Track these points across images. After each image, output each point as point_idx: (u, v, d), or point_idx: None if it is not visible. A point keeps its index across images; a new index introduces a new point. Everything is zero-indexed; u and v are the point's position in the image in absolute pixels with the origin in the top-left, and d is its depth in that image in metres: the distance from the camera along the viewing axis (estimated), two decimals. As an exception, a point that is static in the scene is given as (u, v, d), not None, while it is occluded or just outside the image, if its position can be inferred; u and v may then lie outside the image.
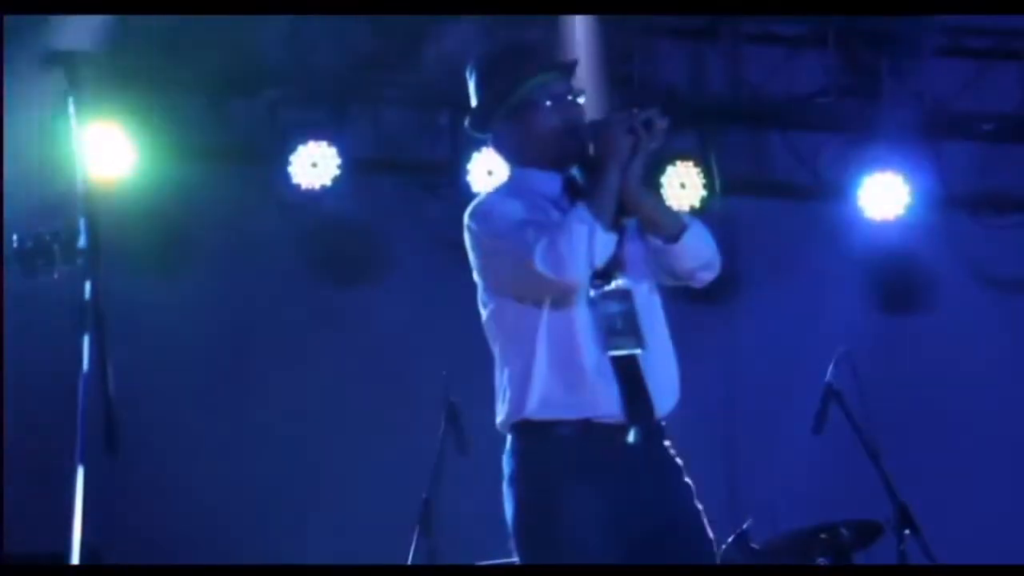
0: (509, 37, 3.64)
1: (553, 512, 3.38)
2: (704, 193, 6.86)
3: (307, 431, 6.69)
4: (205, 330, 6.64)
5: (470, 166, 6.70)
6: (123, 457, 3.10)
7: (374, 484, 6.51)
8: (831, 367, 5.62)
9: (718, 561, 3.56)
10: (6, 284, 5.29)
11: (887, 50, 7.18)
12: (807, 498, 6.16)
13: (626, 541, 3.38)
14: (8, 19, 5.56)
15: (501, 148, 3.69)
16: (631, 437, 3.44)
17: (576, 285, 3.40)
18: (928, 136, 7.17)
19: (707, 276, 3.61)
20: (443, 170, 6.88)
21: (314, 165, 6.73)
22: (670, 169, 6.85)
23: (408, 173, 7.08)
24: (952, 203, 7.26)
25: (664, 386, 3.50)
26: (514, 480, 3.46)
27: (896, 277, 7.32)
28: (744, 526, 5.45)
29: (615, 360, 3.43)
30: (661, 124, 3.42)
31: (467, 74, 3.68)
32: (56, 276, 3.23)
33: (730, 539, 5.42)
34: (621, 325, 3.44)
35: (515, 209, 3.50)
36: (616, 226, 3.43)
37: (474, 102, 3.67)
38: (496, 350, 3.56)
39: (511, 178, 3.68)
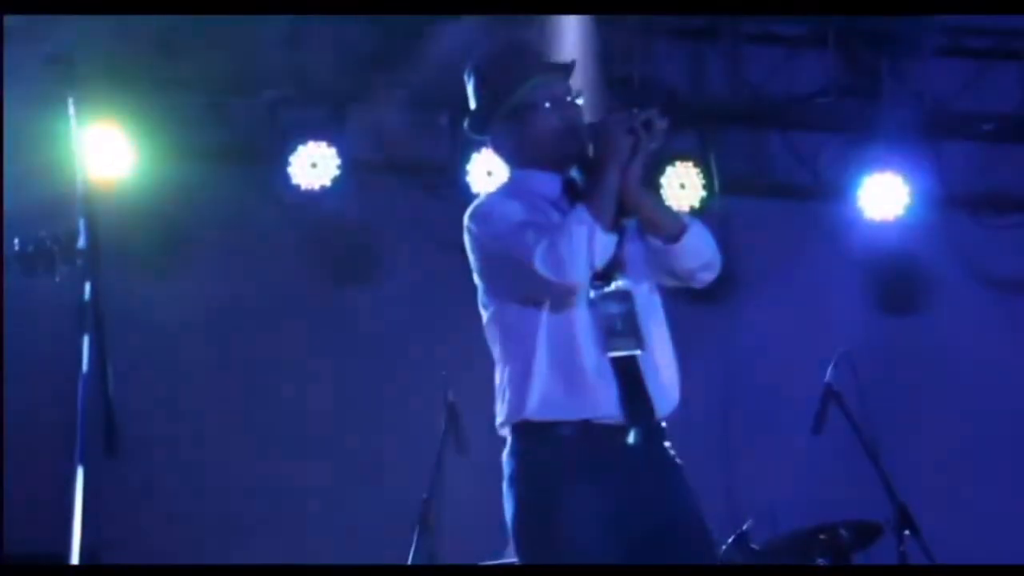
0: (508, 38, 3.63)
1: (553, 512, 3.38)
2: (703, 193, 6.86)
3: (307, 431, 6.70)
4: (205, 330, 6.64)
5: (470, 167, 6.70)
6: (123, 457, 3.10)
7: (374, 484, 6.51)
8: (831, 367, 5.62)
9: (718, 562, 3.56)
10: (6, 284, 5.29)
11: (887, 50, 7.18)
12: (807, 499, 6.15)
13: (626, 541, 3.38)
14: (8, 19, 5.56)
15: (501, 150, 3.69)
16: (631, 438, 3.44)
17: (576, 286, 3.40)
18: (928, 136, 7.17)
19: (707, 276, 3.61)
20: (443, 171, 6.87)
21: (314, 165, 6.73)
22: (670, 169, 6.84)
23: (408, 174, 7.08)
24: (952, 203, 7.26)
25: (664, 387, 3.50)
26: (514, 480, 3.46)
27: (896, 277, 7.32)
28: (744, 527, 5.45)
29: (615, 361, 3.43)
30: (661, 124, 3.42)
31: (466, 76, 3.69)
32: (57, 279, 3.23)
33: (730, 540, 5.42)
34: (621, 326, 3.44)
35: (515, 211, 3.50)
36: (616, 227, 3.43)
37: (473, 104, 3.67)
38: (496, 351, 3.56)
39: (511, 179, 3.68)
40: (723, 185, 6.92)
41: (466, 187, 6.64)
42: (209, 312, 6.65)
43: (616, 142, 3.41)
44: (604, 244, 3.38)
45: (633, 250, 3.53)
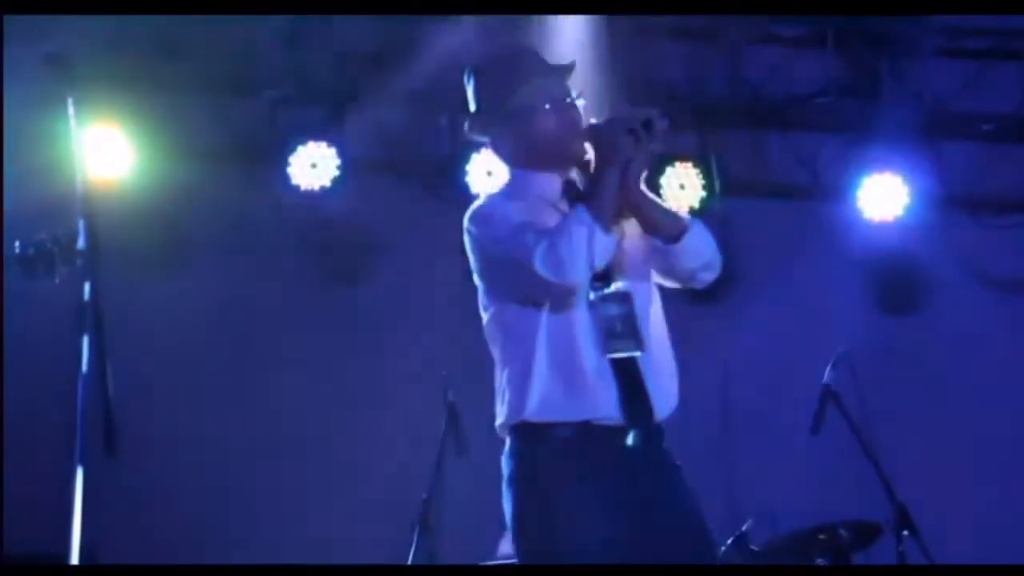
0: (507, 39, 3.63)
1: (552, 513, 3.38)
2: (703, 194, 6.86)
3: (307, 431, 6.70)
4: (204, 330, 6.64)
5: (469, 167, 6.70)
6: (123, 457, 3.11)
7: (374, 484, 6.52)
8: (830, 368, 5.62)
9: (718, 562, 3.56)
10: (6, 285, 5.29)
11: (886, 50, 7.18)
12: (806, 499, 6.15)
13: (626, 542, 3.38)
14: (8, 19, 5.57)
15: (501, 151, 3.69)
16: (630, 439, 3.44)
17: (576, 287, 3.40)
18: (927, 137, 7.17)
19: (708, 277, 3.61)
20: (442, 171, 6.88)
21: (313, 166, 6.73)
22: (669, 170, 6.85)
23: (407, 174, 7.08)
24: (952, 204, 7.26)
25: (664, 388, 3.50)
26: (513, 481, 3.46)
27: (895, 278, 7.32)
28: (743, 527, 5.45)
29: (615, 362, 3.43)
30: (661, 125, 3.42)
31: (465, 78, 3.69)
32: (57, 280, 3.24)
33: (729, 540, 5.42)
34: (621, 328, 3.44)
35: (515, 212, 3.51)
36: (616, 227, 3.43)
37: (473, 106, 3.67)
38: (496, 352, 3.56)
39: (511, 181, 3.68)
40: (723, 185, 6.93)
41: (466, 187, 6.65)
42: (209, 312, 6.65)
43: (616, 143, 3.41)
44: (604, 245, 3.38)
45: (633, 251, 3.53)
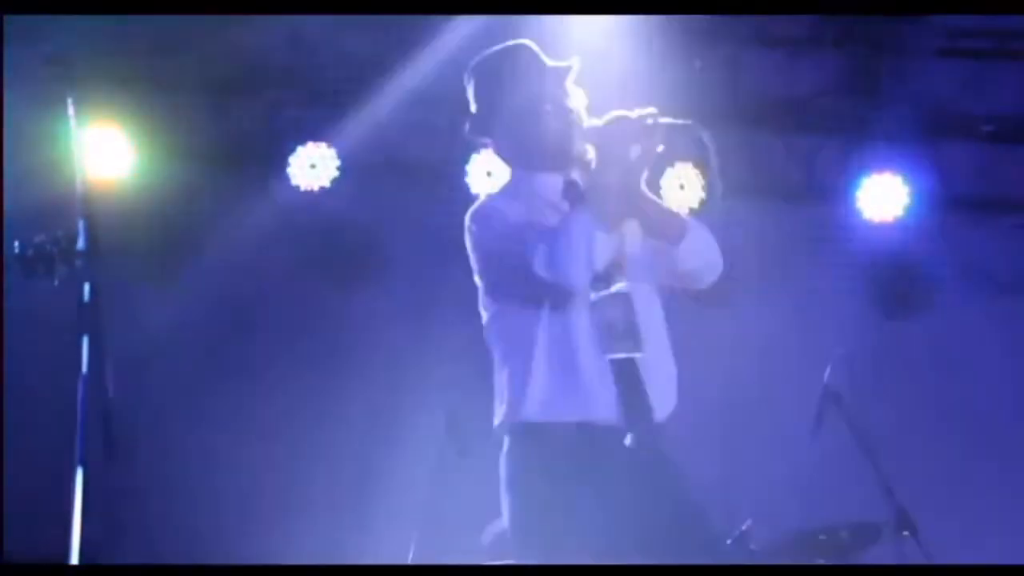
0: (507, 41, 3.64)
1: (551, 513, 3.38)
2: (703, 195, 6.86)
3: (306, 431, 6.70)
4: (204, 331, 6.65)
5: (469, 167, 6.71)
6: (123, 457, 3.11)
7: (374, 484, 6.52)
8: (829, 369, 5.62)
9: (717, 562, 3.56)
10: (6, 285, 5.29)
11: (886, 51, 7.18)
12: (806, 500, 6.16)
13: (625, 542, 3.38)
14: (8, 19, 5.57)
15: (502, 152, 3.69)
16: (629, 440, 3.44)
17: (576, 288, 3.40)
18: (927, 137, 7.17)
19: (708, 279, 3.61)
20: (442, 171, 6.88)
21: (313, 166, 6.74)
22: (669, 170, 6.85)
23: (407, 174, 7.08)
24: (951, 204, 7.26)
25: (663, 389, 3.50)
26: (512, 481, 3.47)
27: (895, 278, 7.32)
28: (743, 528, 5.45)
29: (614, 363, 3.43)
30: (662, 126, 3.42)
31: (466, 79, 3.69)
32: (56, 281, 3.24)
33: (729, 541, 5.42)
34: (620, 328, 3.44)
35: (516, 212, 3.51)
36: (617, 228, 3.43)
37: (473, 107, 3.67)
38: (495, 351, 3.56)
39: (512, 181, 3.68)
40: (724, 187, 6.91)
41: (465, 188, 6.65)
42: (208, 312, 6.66)
43: (617, 144, 3.41)
44: (604, 245, 3.38)
45: (634, 252, 3.53)
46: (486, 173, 6.61)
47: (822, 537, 5.52)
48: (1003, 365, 7.11)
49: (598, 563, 3.34)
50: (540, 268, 3.34)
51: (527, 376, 3.43)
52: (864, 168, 7.09)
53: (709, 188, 6.13)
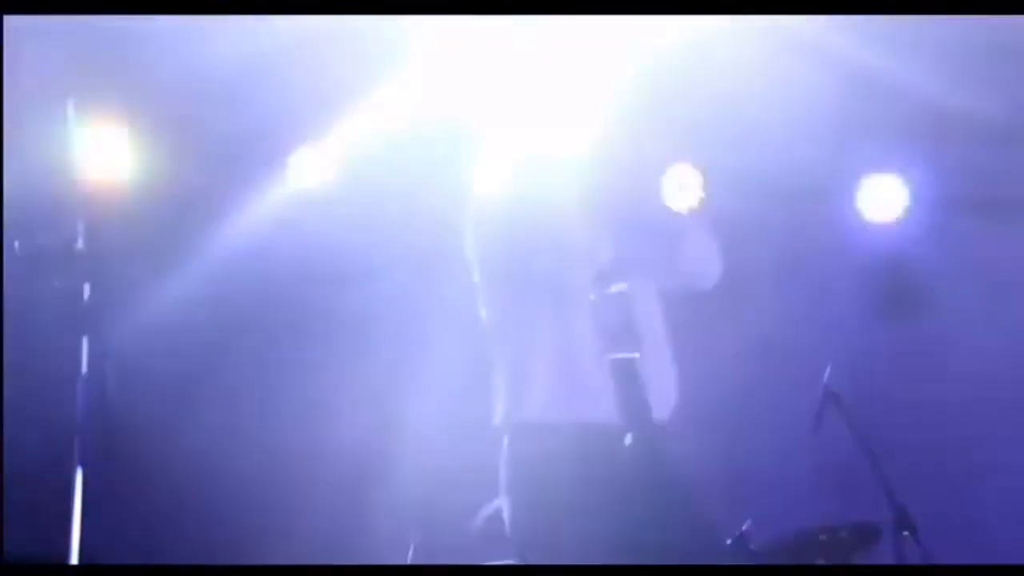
0: (507, 41, 3.66)
1: (551, 514, 3.38)
2: (702, 195, 6.85)
3: (306, 431, 6.70)
4: (203, 331, 6.64)
5: (470, 168, 6.70)
6: (122, 457, 3.12)
7: (374, 484, 6.52)
8: (829, 369, 5.62)
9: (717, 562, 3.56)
10: (6, 286, 5.29)
11: (886, 51, 7.17)
12: (806, 500, 6.16)
13: (624, 542, 3.38)
14: (8, 19, 5.57)
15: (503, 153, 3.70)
16: (629, 440, 3.44)
17: (576, 288, 3.41)
18: (927, 137, 7.17)
19: (708, 281, 3.62)
20: (443, 171, 6.87)
21: (313, 167, 6.73)
22: (669, 170, 6.83)
23: (407, 174, 7.07)
24: (951, 204, 7.26)
25: (663, 390, 3.51)
26: (512, 481, 3.47)
27: (894, 279, 7.32)
28: (743, 528, 5.45)
29: (613, 363, 3.43)
30: (663, 127, 3.42)
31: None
32: (56, 283, 3.24)
33: (729, 541, 5.42)
34: (620, 329, 3.45)
35: (516, 211, 3.51)
36: (617, 229, 3.44)
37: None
38: (495, 351, 3.57)
39: (512, 181, 3.69)
40: (722, 187, 6.91)
41: (467, 188, 6.64)
42: (208, 312, 6.66)
43: (618, 145, 3.42)
44: (604, 246, 3.38)
45: (633, 253, 3.54)
46: (487, 174, 6.61)
47: (822, 537, 5.53)
48: (1003, 365, 7.11)
49: (598, 563, 3.34)
50: (540, 268, 3.34)
51: (527, 376, 3.44)
52: (864, 168, 7.09)
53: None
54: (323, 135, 6.75)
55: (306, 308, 6.93)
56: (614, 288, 3.47)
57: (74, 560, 3.07)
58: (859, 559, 5.63)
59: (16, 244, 3.30)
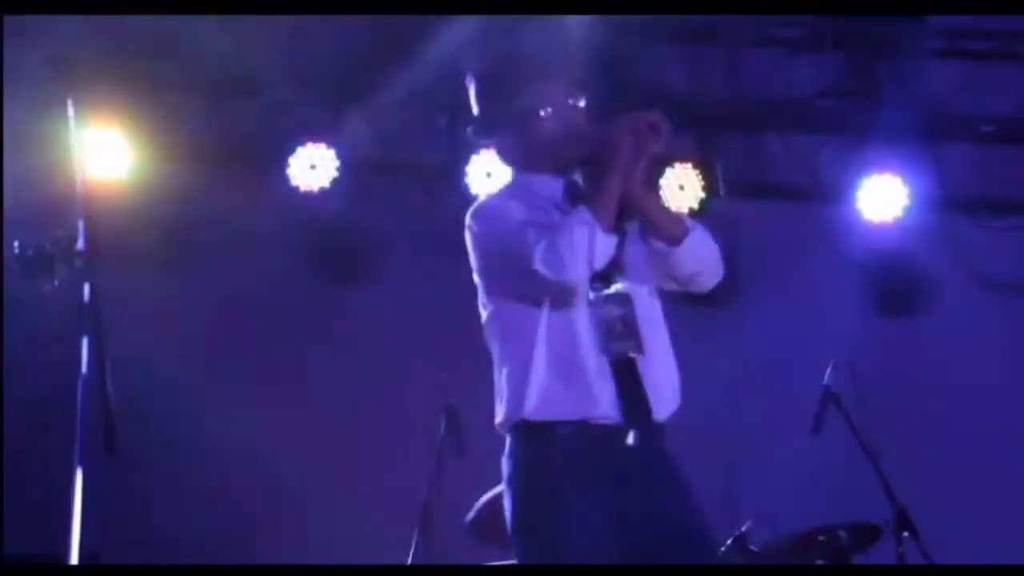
0: (508, 42, 3.66)
1: (552, 513, 3.38)
2: (703, 195, 6.86)
3: (306, 432, 6.69)
4: (204, 332, 6.65)
5: (469, 168, 6.71)
6: (122, 458, 3.11)
7: (374, 484, 6.52)
8: (829, 369, 5.62)
9: (717, 562, 3.56)
10: (6, 286, 5.29)
11: (886, 52, 7.18)
12: (806, 500, 6.16)
13: (625, 542, 3.38)
14: (8, 19, 5.57)
15: (504, 154, 3.70)
16: (630, 439, 3.44)
17: (575, 285, 3.41)
18: (927, 138, 7.17)
19: (707, 283, 3.62)
20: (442, 172, 6.88)
21: (312, 167, 6.73)
22: (668, 171, 6.84)
23: (407, 175, 7.08)
24: (951, 205, 7.26)
25: (663, 390, 3.50)
26: (513, 481, 3.47)
27: (895, 279, 7.31)
28: (743, 528, 5.45)
29: (614, 362, 3.43)
30: (665, 127, 3.43)
31: (467, 82, 3.69)
32: (56, 282, 3.24)
33: (729, 541, 5.42)
34: (620, 328, 3.45)
35: (516, 210, 3.52)
36: (618, 229, 3.44)
37: (476, 110, 3.68)
38: (495, 351, 3.57)
39: (513, 182, 3.69)
40: (725, 189, 6.92)
41: (465, 188, 6.65)
42: (208, 313, 6.66)
43: (620, 144, 3.42)
44: (604, 245, 3.38)
45: (634, 253, 3.54)
46: (486, 174, 6.61)
47: (821, 537, 5.52)
48: (1003, 365, 7.11)
49: (599, 563, 3.34)
50: (539, 265, 3.35)
51: (526, 374, 3.44)
52: (864, 168, 7.09)
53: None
54: (323, 135, 6.75)
55: (306, 308, 6.93)
56: (614, 287, 3.47)
57: (74, 560, 3.07)
58: (858, 559, 5.63)
59: (16, 244, 3.29)
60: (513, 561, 3.52)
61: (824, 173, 7.26)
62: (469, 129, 3.72)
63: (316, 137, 6.74)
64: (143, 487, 6.23)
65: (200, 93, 6.82)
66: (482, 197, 3.72)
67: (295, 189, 6.72)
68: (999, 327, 7.21)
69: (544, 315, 3.45)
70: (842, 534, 5.51)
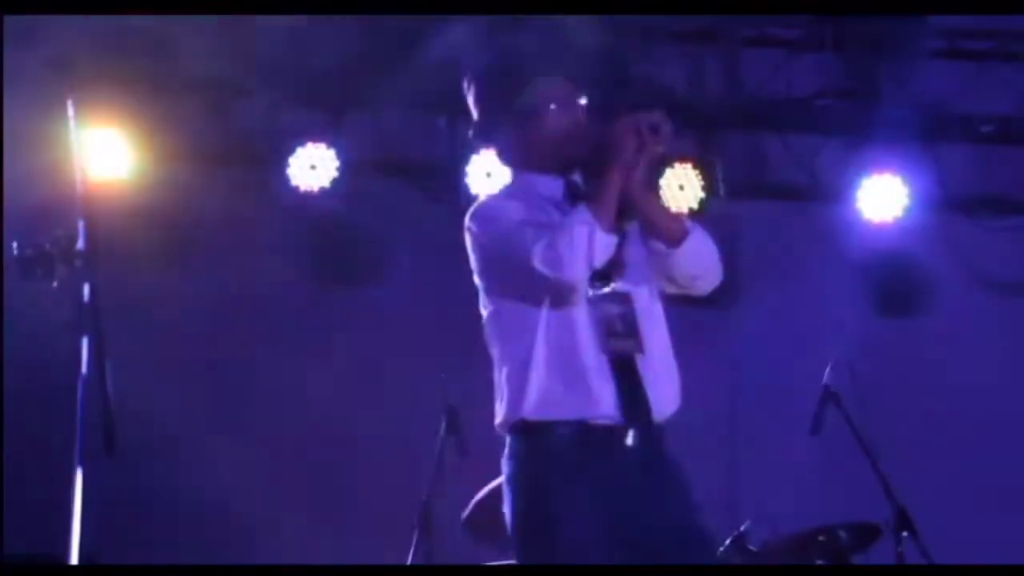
0: (509, 42, 3.65)
1: (552, 513, 3.38)
2: (703, 195, 6.86)
3: (307, 432, 6.70)
4: (204, 332, 6.65)
5: (468, 168, 6.71)
6: (122, 458, 3.11)
7: (374, 484, 6.52)
8: (829, 369, 5.62)
9: (717, 562, 3.56)
10: (6, 286, 5.29)
11: (885, 52, 7.18)
12: (806, 500, 6.16)
13: (625, 541, 3.38)
14: (8, 20, 5.57)
15: (505, 154, 3.70)
16: (630, 439, 3.44)
17: (574, 285, 3.41)
18: (926, 138, 7.17)
19: (707, 285, 3.61)
20: (441, 172, 6.88)
21: (313, 167, 6.74)
22: (668, 171, 6.84)
23: (406, 175, 7.08)
24: (950, 205, 7.26)
25: (663, 390, 3.50)
26: (513, 481, 3.47)
27: (894, 279, 7.31)
28: (742, 528, 5.45)
29: (614, 362, 3.43)
30: (666, 127, 3.42)
31: (467, 83, 3.68)
32: (56, 282, 3.24)
33: (728, 541, 5.42)
34: (620, 326, 3.45)
35: (516, 210, 3.51)
36: (618, 229, 3.44)
37: (476, 111, 3.67)
38: (495, 351, 3.56)
39: (513, 182, 3.69)
40: (725, 189, 6.91)
41: (465, 189, 6.65)
42: (208, 313, 6.66)
43: (621, 144, 3.42)
44: (604, 244, 3.38)
45: (634, 253, 3.54)
46: (486, 174, 6.62)
47: (821, 537, 5.52)
48: (1003, 365, 7.11)
49: (598, 563, 3.34)
50: (539, 264, 3.34)
51: (526, 374, 3.43)
52: (864, 168, 7.09)
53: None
54: (323, 135, 6.75)
55: (306, 308, 6.93)
56: (614, 287, 3.47)
57: (74, 560, 3.07)
58: (858, 559, 5.63)
59: (16, 244, 3.29)
60: (512, 561, 3.51)
61: (824, 173, 7.26)
62: (470, 131, 3.72)
63: (316, 137, 6.74)
64: (143, 487, 6.23)
65: (200, 93, 6.82)
66: (482, 197, 3.72)
67: (295, 189, 6.72)
68: (999, 327, 7.21)
69: (544, 315, 3.45)
70: (842, 534, 5.51)
